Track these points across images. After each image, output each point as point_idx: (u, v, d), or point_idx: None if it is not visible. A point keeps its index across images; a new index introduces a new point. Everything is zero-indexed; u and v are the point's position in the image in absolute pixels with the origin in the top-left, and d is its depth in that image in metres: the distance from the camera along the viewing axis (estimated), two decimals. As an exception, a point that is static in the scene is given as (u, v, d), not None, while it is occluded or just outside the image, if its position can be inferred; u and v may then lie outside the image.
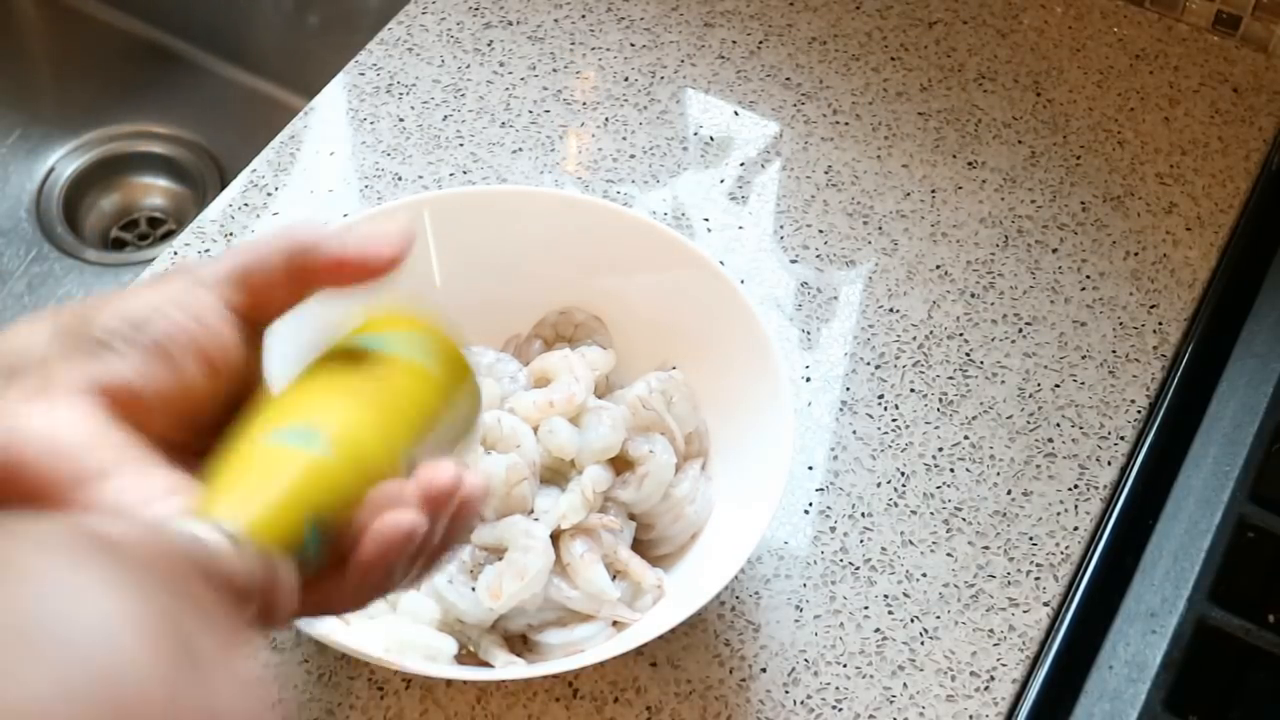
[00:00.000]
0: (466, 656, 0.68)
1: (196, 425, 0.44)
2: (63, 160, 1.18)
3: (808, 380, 0.82)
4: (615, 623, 0.69)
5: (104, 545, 0.34)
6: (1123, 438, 0.80)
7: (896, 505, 0.77)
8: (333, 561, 0.42)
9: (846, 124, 0.94)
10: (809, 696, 0.71)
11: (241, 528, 0.39)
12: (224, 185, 0.98)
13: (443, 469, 0.44)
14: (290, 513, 0.40)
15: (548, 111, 0.94)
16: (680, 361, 0.76)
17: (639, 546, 0.72)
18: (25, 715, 0.29)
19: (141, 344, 0.42)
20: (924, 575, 0.75)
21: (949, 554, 0.76)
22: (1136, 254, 0.89)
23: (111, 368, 0.41)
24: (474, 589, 0.68)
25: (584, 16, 0.99)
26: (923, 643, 0.73)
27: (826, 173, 0.92)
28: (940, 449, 0.80)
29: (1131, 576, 0.75)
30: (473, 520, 0.47)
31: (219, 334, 0.43)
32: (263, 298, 0.45)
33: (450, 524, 0.45)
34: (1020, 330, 0.85)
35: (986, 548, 0.76)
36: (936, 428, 0.80)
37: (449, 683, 0.70)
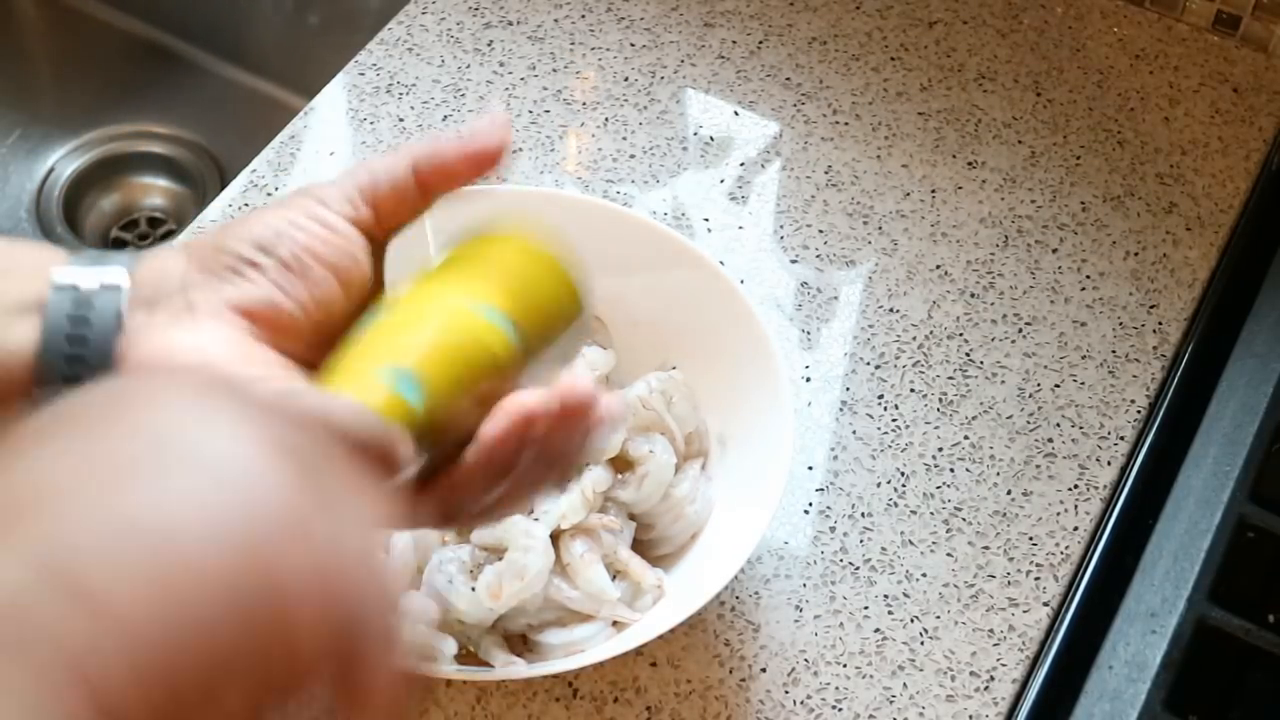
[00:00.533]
0: (466, 656, 0.68)
1: (330, 342, 0.45)
2: (63, 160, 1.18)
3: (808, 380, 0.82)
4: (615, 623, 0.69)
5: (234, 391, 0.34)
6: (1123, 438, 0.80)
7: (896, 505, 0.77)
8: (451, 461, 0.44)
9: (846, 124, 0.94)
10: (809, 696, 0.71)
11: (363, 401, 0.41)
12: (224, 185, 0.98)
13: (582, 379, 0.46)
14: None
15: (548, 111, 0.94)
16: (680, 361, 0.76)
17: (639, 546, 0.72)
18: (161, 532, 0.29)
19: (272, 262, 0.43)
20: (924, 575, 0.75)
21: (949, 554, 0.76)
22: (1136, 254, 0.89)
23: (247, 288, 0.42)
24: (474, 589, 0.68)
25: (584, 16, 0.99)
26: (923, 643, 0.73)
27: (826, 173, 0.92)
28: (940, 449, 0.80)
29: (1131, 576, 0.75)
30: (599, 436, 0.48)
31: (345, 246, 0.45)
32: (385, 212, 0.46)
33: (576, 434, 0.46)
34: (1020, 330, 0.85)
35: (986, 548, 0.76)
36: (936, 428, 0.80)
37: (449, 683, 0.70)
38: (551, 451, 0.46)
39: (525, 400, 0.44)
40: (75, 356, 0.41)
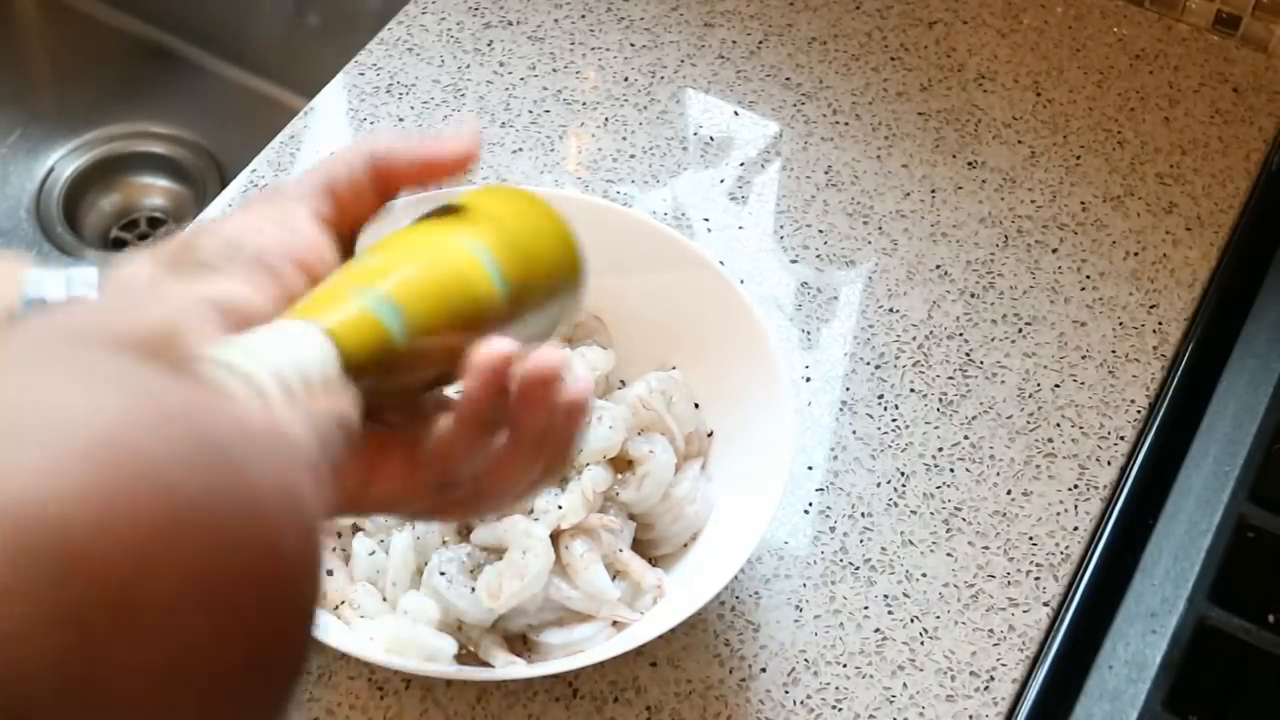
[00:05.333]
0: (466, 656, 0.68)
1: None
2: (63, 160, 1.18)
3: (808, 380, 0.82)
4: (615, 623, 0.69)
5: (101, 339, 0.34)
6: (1123, 438, 0.80)
7: (896, 505, 0.77)
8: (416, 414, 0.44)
9: (846, 124, 0.94)
10: (809, 696, 0.71)
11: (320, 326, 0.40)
12: (224, 185, 0.98)
13: (550, 353, 0.45)
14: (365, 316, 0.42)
15: (548, 111, 0.94)
16: (680, 361, 0.76)
17: (639, 546, 0.72)
18: (19, 508, 0.28)
19: (242, 260, 0.42)
20: (924, 575, 0.75)
21: (949, 554, 0.76)
22: (1136, 254, 0.89)
23: (219, 285, 0.41)
24: (474, 589, 0.68)
25: (584, 16, 0.99)
26: (923, 643, 0.73)
27: (826, 173, 0.92)
28: (940, 449, 0.80)
29: (1131, 576, 0.75)
30: (558, 412, 0.46)
31: (313, 242, 0.45)
32: (349, 206, 0.47)
33: (551, 411, 0.45)
34: (1020, 330, 0.85)
35: (986, 548, 0.76)
36: (936, 428, 0.80)
37: (449, 683, 0.70)
38: (531, 429, 0.46)
39: (496, 347, 0.44)
40: None
